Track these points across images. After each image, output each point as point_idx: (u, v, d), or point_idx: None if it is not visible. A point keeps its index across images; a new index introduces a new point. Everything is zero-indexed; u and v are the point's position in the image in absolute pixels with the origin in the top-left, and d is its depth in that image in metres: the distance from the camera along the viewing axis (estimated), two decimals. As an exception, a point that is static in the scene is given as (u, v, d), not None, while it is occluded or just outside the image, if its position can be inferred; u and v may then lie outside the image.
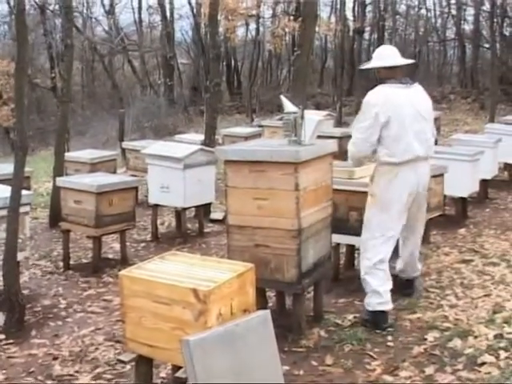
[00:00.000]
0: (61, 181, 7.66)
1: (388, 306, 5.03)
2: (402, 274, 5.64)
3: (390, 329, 4.95)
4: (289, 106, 4.84)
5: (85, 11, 30.13)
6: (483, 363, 4.30)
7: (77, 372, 4.66)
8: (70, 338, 5.33)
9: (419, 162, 5.06)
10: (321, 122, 5.01)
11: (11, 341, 5.25)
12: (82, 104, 32.17)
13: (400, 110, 4.93)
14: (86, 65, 33.29)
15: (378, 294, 4.99)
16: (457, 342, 4.64)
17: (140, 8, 31.69)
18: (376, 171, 5.13)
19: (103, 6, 30.55)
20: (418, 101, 5.09)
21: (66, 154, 10.62)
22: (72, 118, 20.00)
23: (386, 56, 5.20)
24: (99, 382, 4.46)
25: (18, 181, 5.50)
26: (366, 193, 5.86)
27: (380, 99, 4.94)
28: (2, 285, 5.59)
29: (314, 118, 4.96)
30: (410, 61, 5.59)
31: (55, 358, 4.92)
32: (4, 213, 5.51)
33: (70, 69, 10.38)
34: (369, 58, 28.63)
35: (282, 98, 5.00)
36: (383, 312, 5.02)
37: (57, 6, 24.87)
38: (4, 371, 4.73)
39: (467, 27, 29.90)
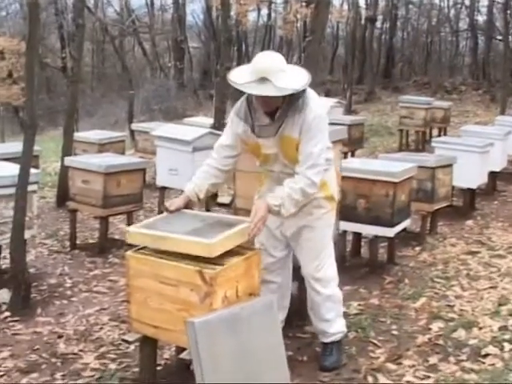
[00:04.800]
0: (69, 160, 7.65)
1: None
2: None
3: None
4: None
5: (97, -8, 30.04)
6: (487, 354, 4.31)
7: (81, 351, 4.67)
8: (74, 317, 5.35)
9: None
10: (331, 109, 4.99)
11: (17, 318, 5.27)
12: (91, 85, 32.19)
13: None
14: (96, 46, 33.25)
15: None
16: (461, 333, 4.65)
17: (152, -10, 31.64)
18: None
19: (115, -13, 30.48)
20: None
21: (75, 134, 10.59)
22: (81, 98, 19.99)
23: None
24: (103, 362, 4.48)
25: (27, 159, 5.49)
26: (374, 180, 5.87)
27: None
28: (9, 262, 5.61)
29: (325, 104, 4.94)
30: None
31: (60, 337, 4.94)
32: (12, 191, 5.51)
33: (80, 49, 10.39)
34: (380, 47, 28.28)
35: None
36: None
37: (69, -14, 24.83)
38: (9, 348, 4.75)
39: (480, 18, 29.77)
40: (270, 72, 3.66)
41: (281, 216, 3.89)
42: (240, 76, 3.79)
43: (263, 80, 3.65)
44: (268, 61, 3.75)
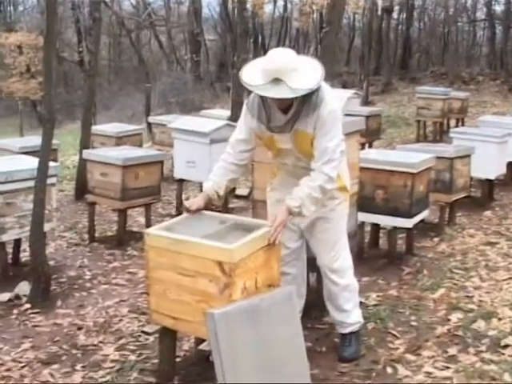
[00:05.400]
0: (87, 153, 7.68)
1: None
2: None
3: None
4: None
5: (113, -15, 30.11)
6: (507, 345, 4.28)
7: (101, 342, 4.70)
8: (94, 308, 5.39)
9: None
10: (348, 100, 4.98)
11: (37, 310, 5.31)
12: (108, 78, 32.33)
13: None
14: (113, 39, 33.38)
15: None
16: (480, 324, 4.63)
17: (168, -17, 31.66)
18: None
19: (131, -20, 30.56)
20: None
21: (93, 127, 10.64)
22: (99, 92, 20.08)
23: None
24: (123, 353, 4.50)
25: (46, 152, 5.52)
26: (392, 171, 5.84)
27: None
28: (29, 255, 5.65)
29: (342, 96, 4.94)
30: None
31: (80, 328, 4.97)
32: (31, 184, 5.55)
33: (97, 42, 10.43)
34: (397, 37, 27.99)
35: None
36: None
37: (85, -20, 24.90)
38: (30, 339, 4.79)
39: (498, 8, 29.51)
40: (283, 72, 3.58)
41: (302, 216, 3.87)
42: (252, 76, 3.71)
43: (277, 81, 3.58)
44: (280, 60, 3.65)
